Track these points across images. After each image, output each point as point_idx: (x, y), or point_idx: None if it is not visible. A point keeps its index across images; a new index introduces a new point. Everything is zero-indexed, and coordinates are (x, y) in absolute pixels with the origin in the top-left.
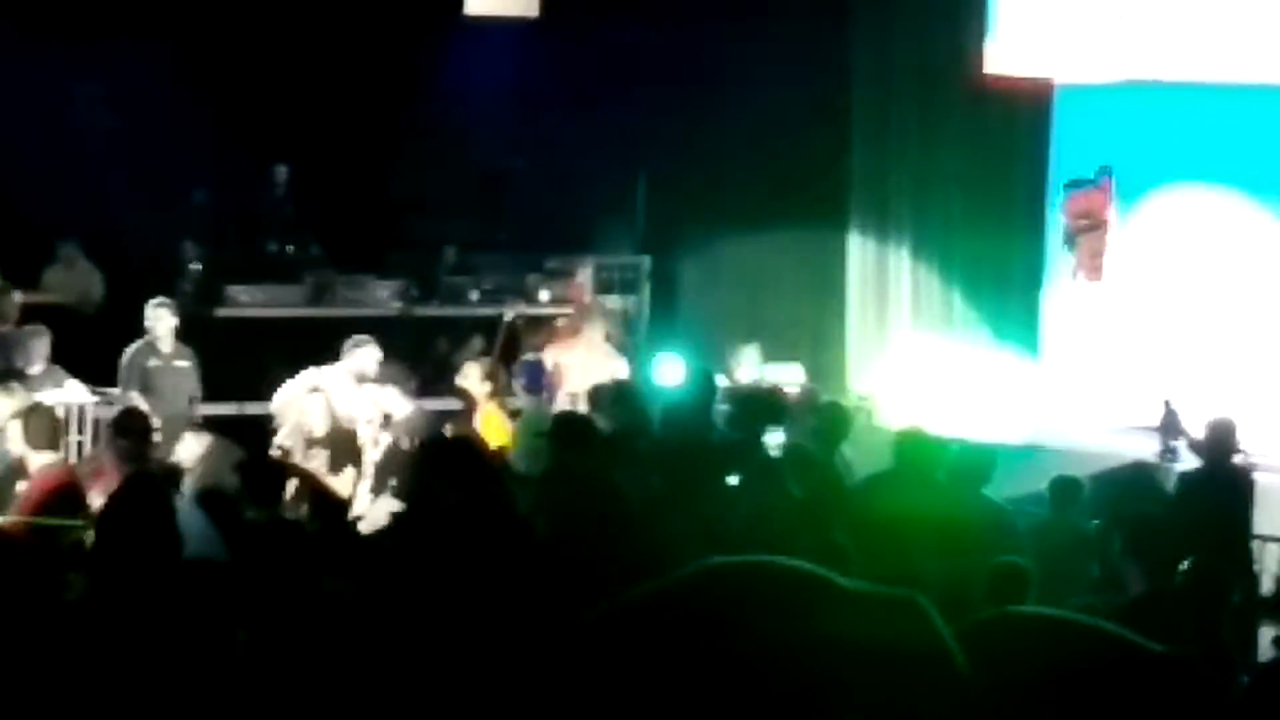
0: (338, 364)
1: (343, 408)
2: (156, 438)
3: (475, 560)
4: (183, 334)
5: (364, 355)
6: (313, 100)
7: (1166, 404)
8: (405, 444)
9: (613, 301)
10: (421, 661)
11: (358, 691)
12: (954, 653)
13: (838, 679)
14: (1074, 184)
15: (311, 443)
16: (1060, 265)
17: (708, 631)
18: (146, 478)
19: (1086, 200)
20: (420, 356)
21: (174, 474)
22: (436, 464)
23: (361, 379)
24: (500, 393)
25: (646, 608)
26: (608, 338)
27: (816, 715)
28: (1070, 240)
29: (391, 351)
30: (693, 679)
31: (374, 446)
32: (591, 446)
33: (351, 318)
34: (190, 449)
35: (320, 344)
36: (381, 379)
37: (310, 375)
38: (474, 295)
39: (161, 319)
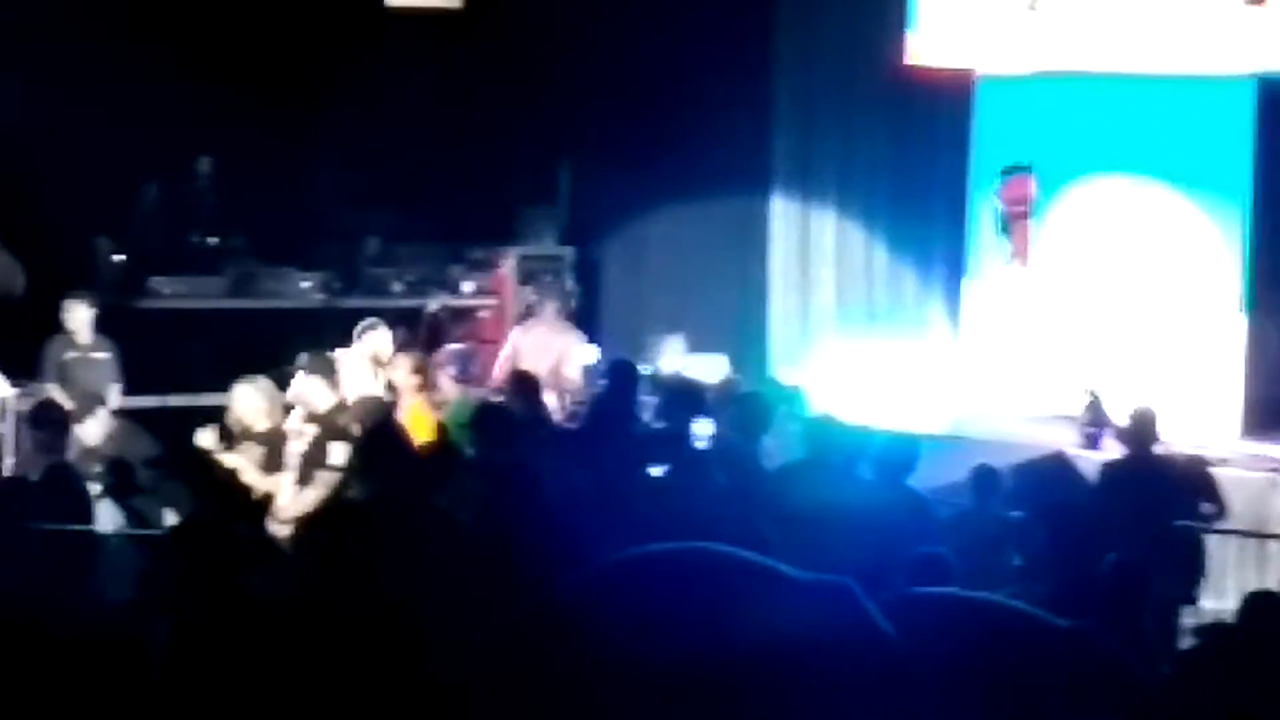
0: (351, 348)
1: (355, 394)
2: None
3: (392, 554)
4: (104, 326)
5: (377, 338)
6: (235, 91)
7: (1091, 393)
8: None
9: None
10: (340, 653)
11: (277, 685)
12: (889, 633)
13: (778, 661)
14: (1011, 169)
15: (247, 436)
16: (984, 253)
17: (649, 616)
18: (64, 469)
19: (1022, 186)
20: (343, 348)
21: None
22: (360, 456)
23: (377, 362)
24: (428, 385)
25: (589, 591)
26: (565, 314)
27: (758, 698)
28: (1006, 226)
29: (314, 344)
30: (635, 663)
31: (297, 438)
32: (512, 437)
33: (274, 309)
34: (97, 428)
35: (243, 336)
36: (308, 370)
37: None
38: (397, 287)
39: (75, 311)
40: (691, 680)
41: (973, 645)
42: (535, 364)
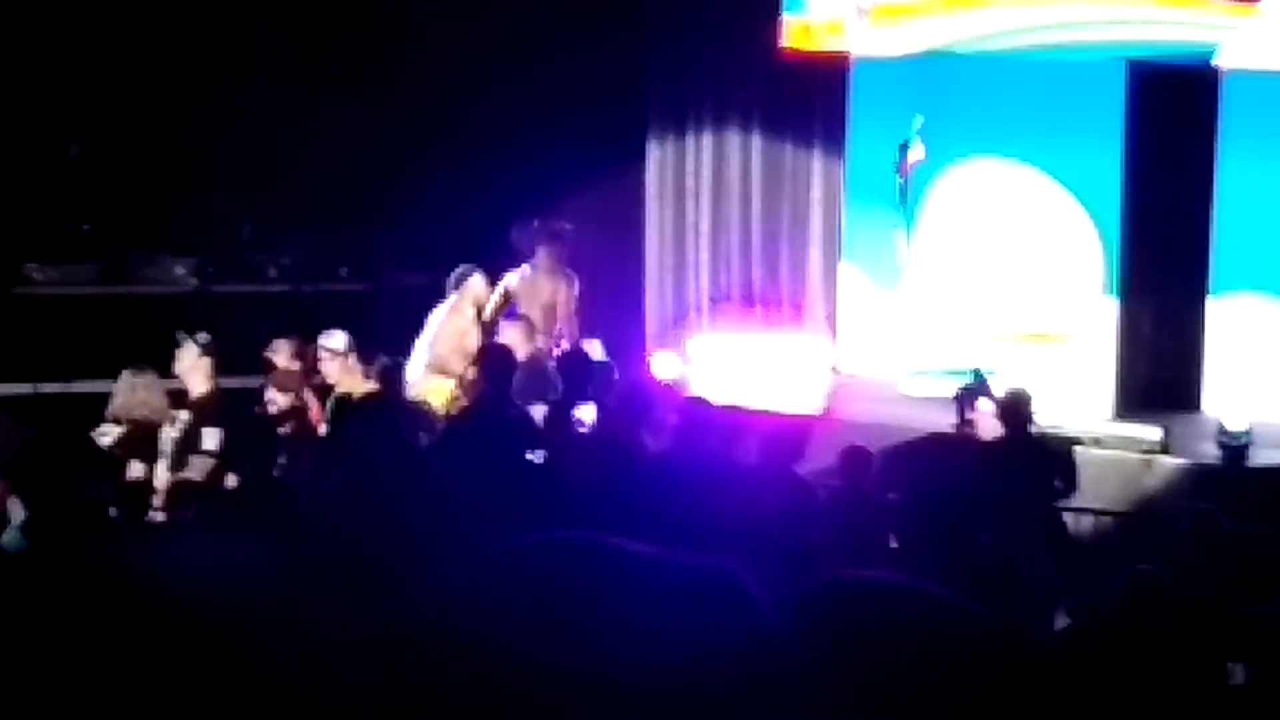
0: (449, 299)
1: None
2: None
3: (261, 543)
4: None
5: (475, 283)
6: (107, 75)
7: (976, 372)
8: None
9: (414, 279)
10: (211, 642)
11: (155, 675)
12: (773, 622)
13: (654, 652)
14: (907, 144)
15: (119, 421)
16: (862, 234)
17: (518, 609)
18: None
19: (914, 158)
20: (219, 334)
21: None
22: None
23: (479, 307)
24: (310, 370)
25: (460, 584)
26: (559, 257)
27: (638, 689)
28: (906, 199)
29: (188, 329)
30: (505, 658)
31: (171, 425)
32: (386, 420)
33: (148, 295)
34: None
35: (117, 321)
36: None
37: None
38: (272, 271)
39: None
40: (564, 673)
41: (883, 630)
42: (528, 308)
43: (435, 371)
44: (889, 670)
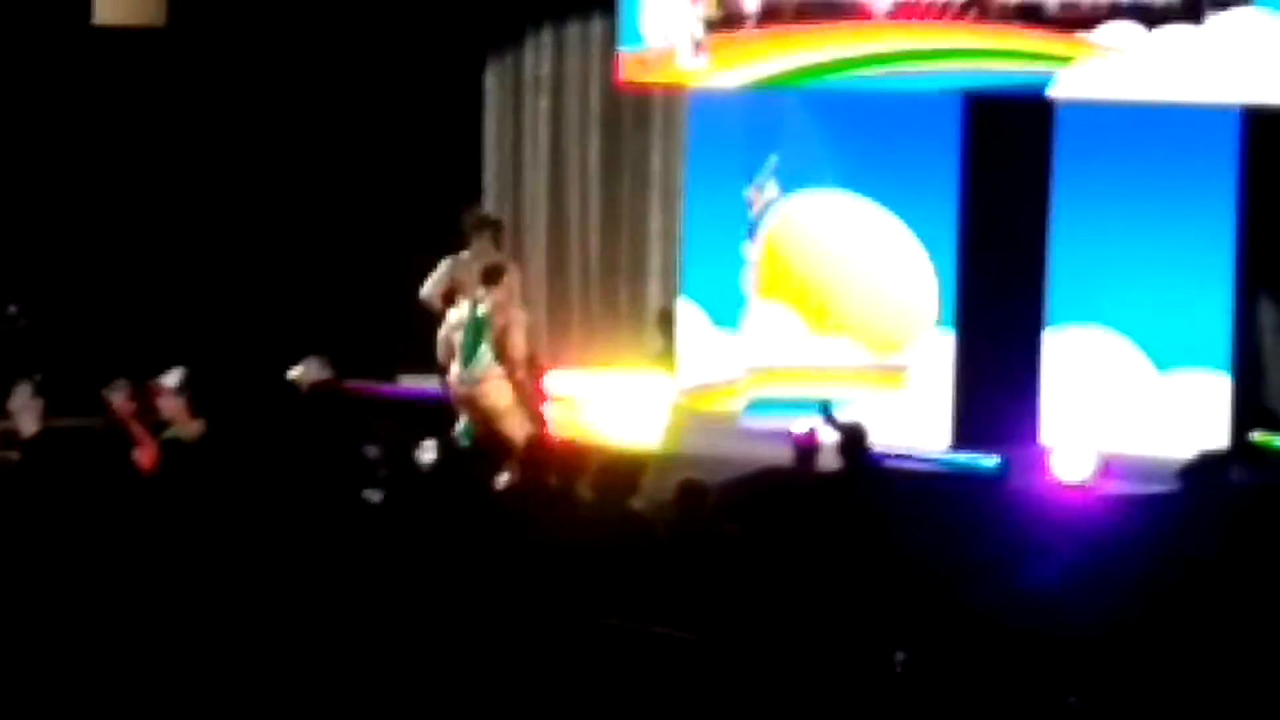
0: (483, 300)
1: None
2: None
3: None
4: None
5: (513, 275)
6: None
7: (823, 404)
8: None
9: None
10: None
11: None
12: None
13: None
14: (760, 178)
15: None
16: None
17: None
18: None
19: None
20: (49, 372)
21: None
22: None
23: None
24: (144, 409)
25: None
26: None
27: None
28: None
29: (20, 368)
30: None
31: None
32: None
33: None
34: None
35: None
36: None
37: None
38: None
39: None
40: None
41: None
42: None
43: (506, 375)
44: None
